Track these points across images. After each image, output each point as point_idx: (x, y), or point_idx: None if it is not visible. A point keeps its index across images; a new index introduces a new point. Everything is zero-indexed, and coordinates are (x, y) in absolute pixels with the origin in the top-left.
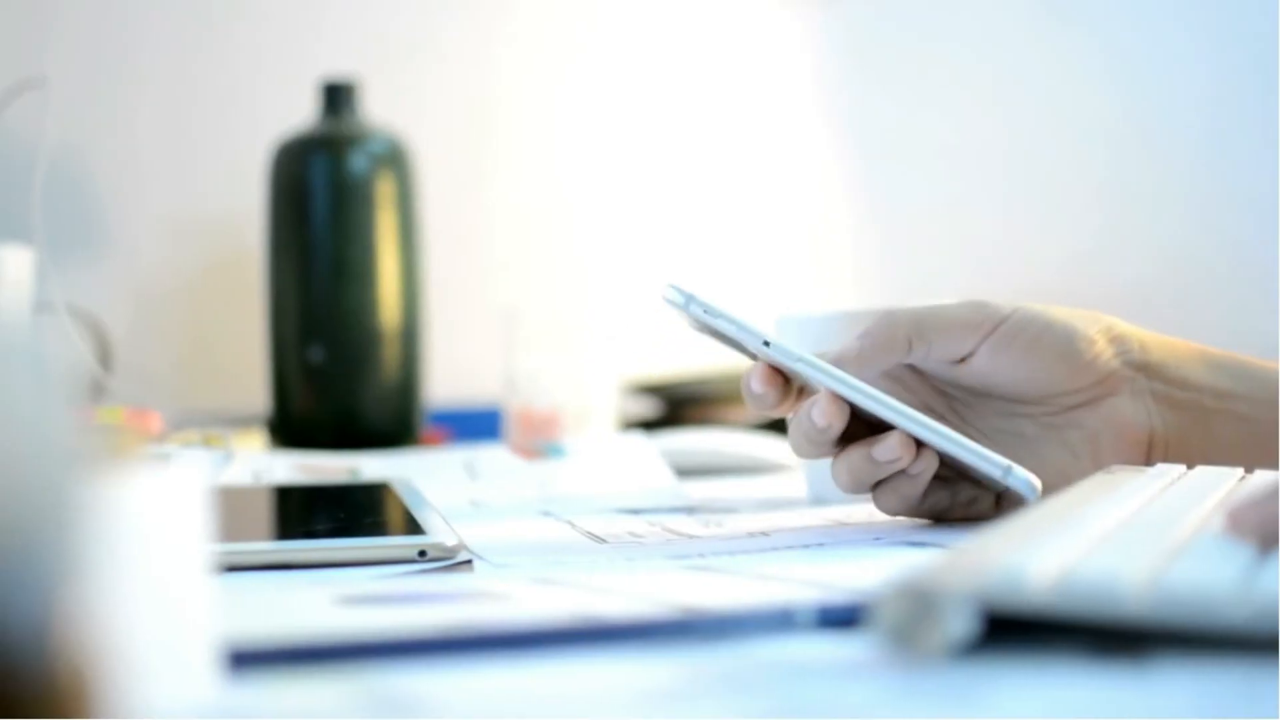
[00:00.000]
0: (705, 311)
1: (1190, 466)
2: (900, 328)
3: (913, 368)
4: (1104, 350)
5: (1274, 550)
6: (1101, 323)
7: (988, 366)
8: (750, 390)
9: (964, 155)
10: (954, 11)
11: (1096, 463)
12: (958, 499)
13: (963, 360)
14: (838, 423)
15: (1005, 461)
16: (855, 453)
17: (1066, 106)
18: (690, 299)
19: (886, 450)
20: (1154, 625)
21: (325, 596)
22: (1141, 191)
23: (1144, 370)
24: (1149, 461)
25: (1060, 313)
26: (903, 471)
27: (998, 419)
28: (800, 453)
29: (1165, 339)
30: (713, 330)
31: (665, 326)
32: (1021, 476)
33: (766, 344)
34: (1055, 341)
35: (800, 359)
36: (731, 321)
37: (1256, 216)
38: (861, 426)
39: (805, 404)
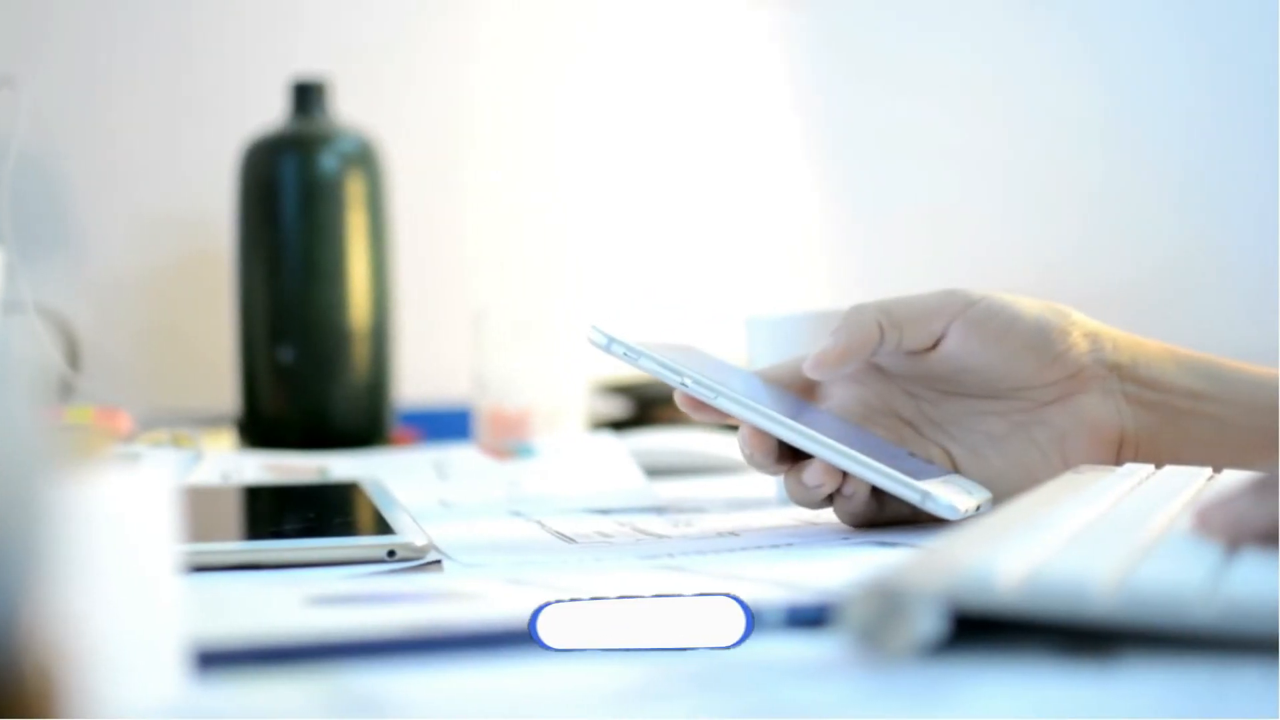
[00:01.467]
0: (626, 353)
1: (1159, 467)
2: (870, 318)
3: (879, 369)
4: (1078, 344)
5: (1241, 550)
6: (1073, 318)
7: (958, 350)
8: (691, 415)
9: (944, 154)
10: (933, 9)
11: (1065, 462)
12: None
13: (933, 347)
14: (759, 451)
15: (922, 488)
16: (790, 477)
17: (1051, 105)
18: (611, 340)
19: (811, 476)
20: (1122, 625)
21: (294, 596)
22: (1131, 192)
23: (1116, 370)
24: (1118, 461)
25: (1032, 304)
26: (839, 491)
27: (966, 417)
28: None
29: (1136, 339)
30: None
31: (636, 326)
32: (943, 502)
33: (684, 384)
34: (1027, 331)
35: (719, 395)
36: (652, 361)
37: (1249, 217)
38: None
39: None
